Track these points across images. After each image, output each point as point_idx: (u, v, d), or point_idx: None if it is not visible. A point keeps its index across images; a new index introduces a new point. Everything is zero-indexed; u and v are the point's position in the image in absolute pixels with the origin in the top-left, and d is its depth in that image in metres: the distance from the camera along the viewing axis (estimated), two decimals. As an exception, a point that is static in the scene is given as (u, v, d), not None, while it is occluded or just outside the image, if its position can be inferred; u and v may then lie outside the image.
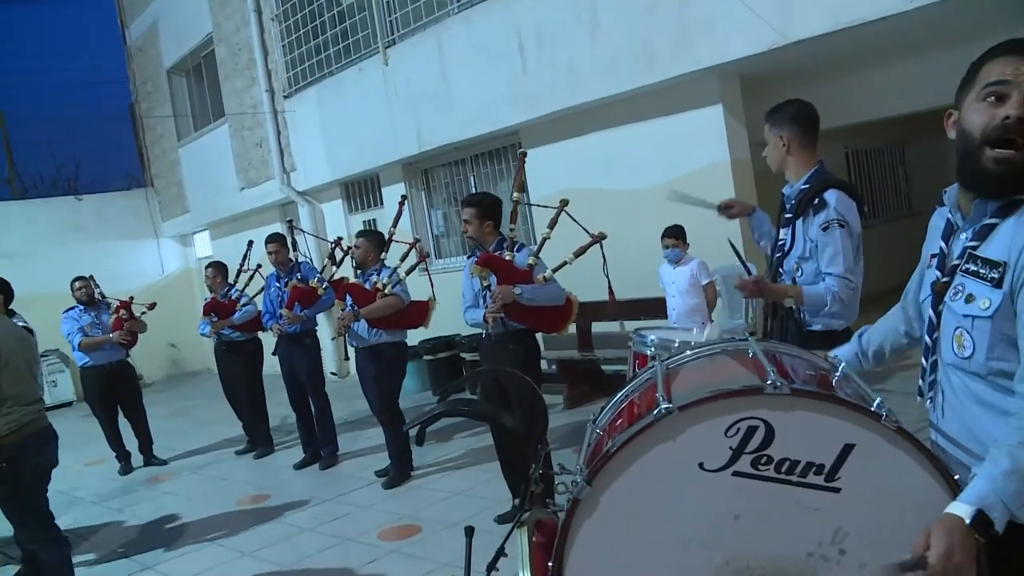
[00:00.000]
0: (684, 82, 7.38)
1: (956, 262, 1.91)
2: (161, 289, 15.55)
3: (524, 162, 5.30)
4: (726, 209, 3.90)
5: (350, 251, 6.72)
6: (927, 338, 2.00)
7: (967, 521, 1.67)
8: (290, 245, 7.40)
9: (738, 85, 7.57)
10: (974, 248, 1.85)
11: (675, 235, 6.52)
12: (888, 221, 11.95)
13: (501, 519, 5.09)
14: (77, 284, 8.33)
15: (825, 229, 3.34)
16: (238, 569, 5.31)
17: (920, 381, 2.07)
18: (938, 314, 1.95)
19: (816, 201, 3.40)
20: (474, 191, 9.90)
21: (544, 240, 5.21)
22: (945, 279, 1.93)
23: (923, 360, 2.03)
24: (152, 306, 8.80)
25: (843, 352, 2.41)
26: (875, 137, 11.86)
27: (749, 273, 3.58)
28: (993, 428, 1.82)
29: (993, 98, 1.78)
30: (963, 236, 1.91)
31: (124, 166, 17.27)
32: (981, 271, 1.80)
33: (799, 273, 3.50)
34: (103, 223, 15.97)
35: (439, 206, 11.07)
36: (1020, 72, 1.75)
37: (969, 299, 1.83)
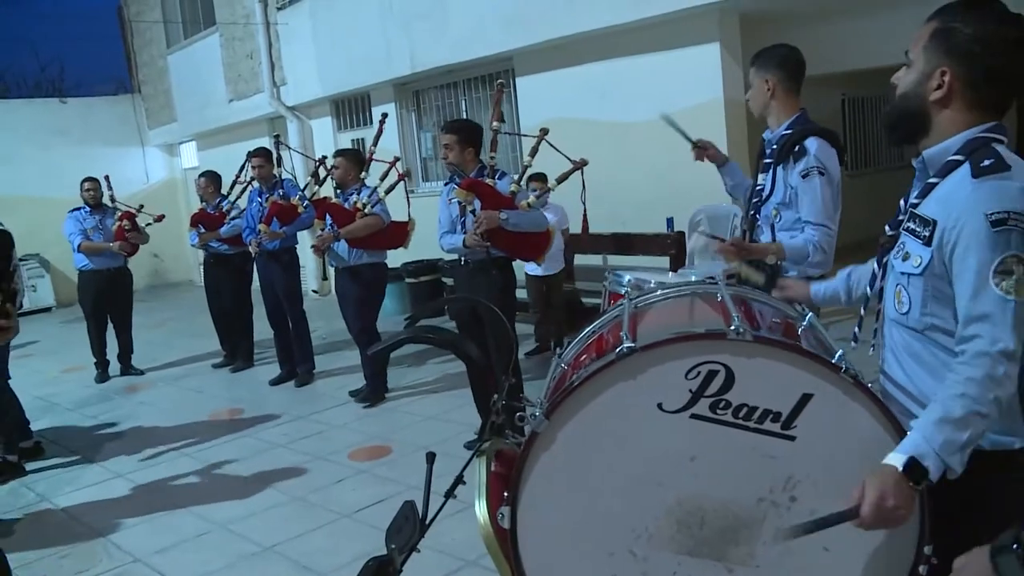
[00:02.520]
0: (684, 17, 7.24)
1: (901, 218, 1.94)
2: (145, 198, 15.14)
3: (502, 93, 5.25)
4: (701, 149, 3.86)
5: (333, 171, 6.63)
6: (867, 289, 2.06)
7: (900, 469, 1.70)
8: (275, 161, 7.30)
9: (737, 24, 7.44)
10: (915, 206, 1.88)
11: (538, 179, 6.56)
12: (879, 171, 11.90)
13: (470, 445, 5.15)
14: (86, 185, 8.23)
15: (805, 176, 3.32)
16: (208, 481, 5.37)
17: (856, 329, 2.14)
18: (883, 267, 1.99)
19: (797, 148, 3.38)
20: (465, 115, 9.79)
21: (526, 168, 5.18)
22: (892, 234, 1.96)
23: (861, 309, 2.09)
24: (160, 218, 8.63)
25: (828, 287, 2.40)
26: (873, 86, 11.69)
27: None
28: (927, 384, 1.86)
29: None
30: (913, 193, 1.94)
31: (111, 70, 16.88)
32: (917, 229, 1.84)
33: (778, 219, 3.48)
34: (88, 128, 15.66)
35: (429, 128, 10.93)
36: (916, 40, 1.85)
37: (906, 257, 1.86)
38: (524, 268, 7.15)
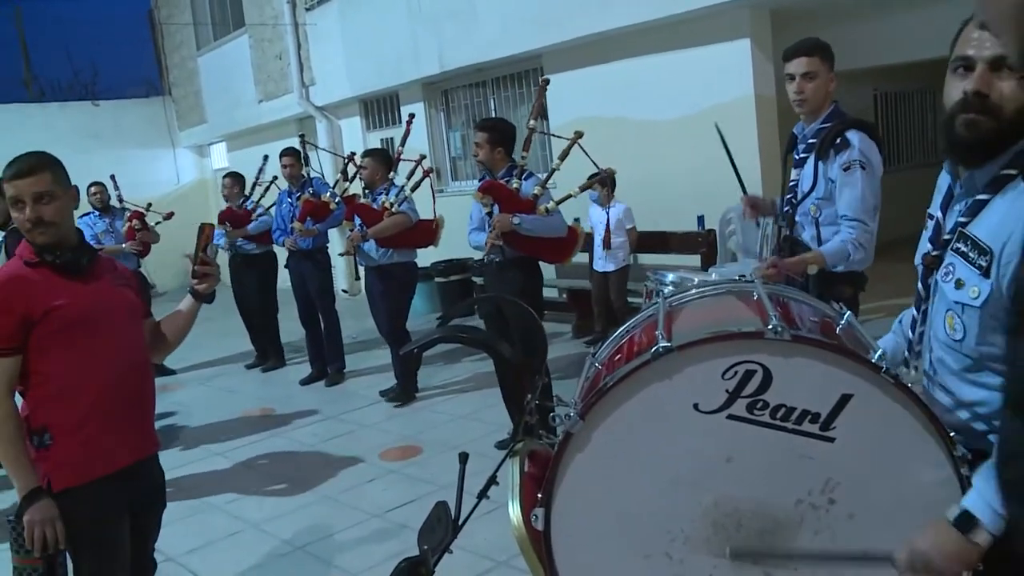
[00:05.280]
0: (714, 13, 7.18)
1: (948, 237, 1.82)
2: (176, 199, 15.48)
3: (545, 89, 5.19)
4: (750, 206, 3.63)
5: (361, 171, 6.66)
6: (914, 310, 1.94)
7: (950, 520, 1.61)
8: (302, 159, 7.33)
9: (768, 19, 7.36)
10: (964, 224, 1.75)
11: (599, 181, 6.62)
12: (912, 168, 11.72)
13: (501, 444, 5.14)
14: (92, 189, 8.29)
15: (847, 170, 3.26)
16: (239, 480, 5.39)
17: (906, 352, 2.02)
18: (927, 287, 1.88)
19: (839, 141, 3.32)
20: (493, 114, 9.77)
21: (553, 171, 5.15)
22: (936, 253, 1.84)
23: (909, 332, 1.97)
24: (169, 215, 8.74)
25: (888, 342, 2.18)
26: (906, 80, 11.56)
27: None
28: (983, 396, 1.76)
29: (961, 69, 1.70)
30: (957, 208, 1.81)
31: (142, 73, 16.95)
32: (970, 255, 1.71)
33: (819, 214, 3.42)
34: (120, 130, 15.82)
35: (458, 128, 10.94)
36: (982, 40, 1.65)
37: (959, 284, 1.73)
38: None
